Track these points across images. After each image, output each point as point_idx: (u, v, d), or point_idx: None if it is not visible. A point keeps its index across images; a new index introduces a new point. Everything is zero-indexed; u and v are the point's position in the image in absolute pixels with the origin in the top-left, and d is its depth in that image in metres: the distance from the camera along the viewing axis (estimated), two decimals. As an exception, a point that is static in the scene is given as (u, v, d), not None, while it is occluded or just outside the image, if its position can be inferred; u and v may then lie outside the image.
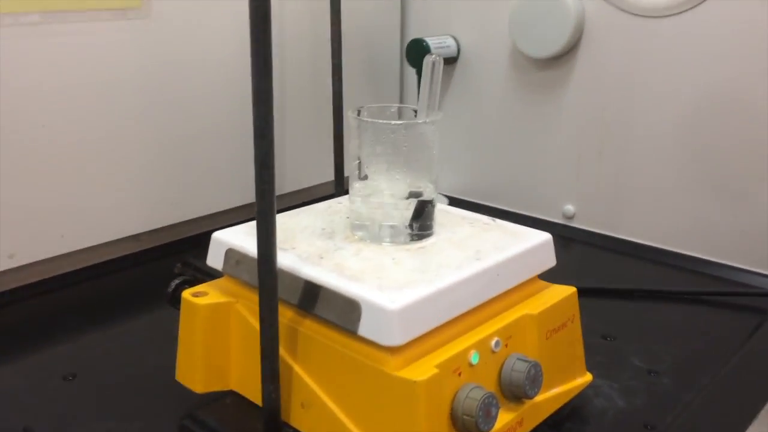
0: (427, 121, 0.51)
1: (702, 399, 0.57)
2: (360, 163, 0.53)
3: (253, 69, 0.42)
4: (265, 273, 0.45)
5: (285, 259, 0.50)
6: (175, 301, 0.55)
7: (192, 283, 0.56)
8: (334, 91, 0.84)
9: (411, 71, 1.00)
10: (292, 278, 0.49)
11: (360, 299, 0.45)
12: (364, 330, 0.45)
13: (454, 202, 1.02)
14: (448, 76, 1.02)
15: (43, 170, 0.69)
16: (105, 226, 0.75)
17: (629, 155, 0.87)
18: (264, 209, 0.45)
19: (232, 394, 0.54)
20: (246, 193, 0.89)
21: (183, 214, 0.83)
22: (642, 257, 0.86)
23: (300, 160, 0.92)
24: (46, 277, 0.73)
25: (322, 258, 0.50)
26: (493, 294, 0.50)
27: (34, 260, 0.69)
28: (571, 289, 0.55)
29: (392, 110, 0.54)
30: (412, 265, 0.49)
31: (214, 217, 0.86)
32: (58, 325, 0.67)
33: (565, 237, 0.92)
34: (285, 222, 0.57)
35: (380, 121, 0.51)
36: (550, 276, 0.56)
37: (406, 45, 0.97)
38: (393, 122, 0.50)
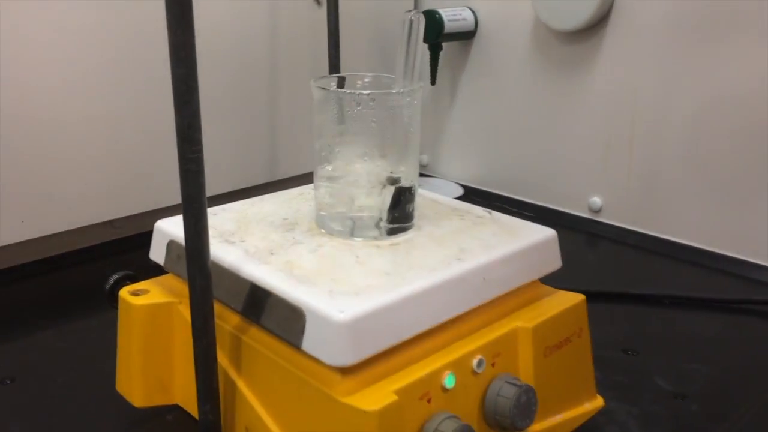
0: (402, 91, 0.42)
1: (738, 432, 0.48)
2: (325, 143, 0.44)
3: (169, 17, 0.34)
4: (195, 272, 0.38)
5: (229, 255, 0.42)
6: (114, 299, 0.47)
7: (135, 279, 0.49)
8: (330, 65, 0.76)
9: (423, 47, 0.91)
10: (234, 278, 0.41)
11: (304, 307, 0.37)
12: (308, 345, 0.36)
13: (469, 191, 0.93)
14: (464, 52, 0.92)
15: (-2, 148, 0.62)
16: (73, 211, 0.68)
17: (664, 142, 0.77)
18: (191, 195, 0.37)
19: (176, 409, 0.47)
20: (237, 178, 0.81)
21: (165, 199, 0.75)
22: (676, 258, 0.76)
23: (296, 144, 0.84)
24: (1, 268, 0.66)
25: (272, 254, 0.42)
26: (478, 302, 0.41)
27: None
28: (578, 297, 0.46)
29: (366, 80, 0.46)
30: (378, 265, 0.41)
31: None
32: (7, 322, 0.61)
33: (590, 233, 0.83)
34: (243, 210, 0.50)
35: (345, 90, 0.42)
36: (568, 276, 0.47)
37: (418, 18, 0.88)
38: (358, 92, 0.41)
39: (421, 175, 1.00)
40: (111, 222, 0.74)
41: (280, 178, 0.84)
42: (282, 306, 0.38)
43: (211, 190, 0.83)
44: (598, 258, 0.78)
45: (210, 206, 0.53)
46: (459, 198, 0.91)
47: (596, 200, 0.83)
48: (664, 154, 0.77)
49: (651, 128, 0.78)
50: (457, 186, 0.94)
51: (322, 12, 0.72)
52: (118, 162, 0.70)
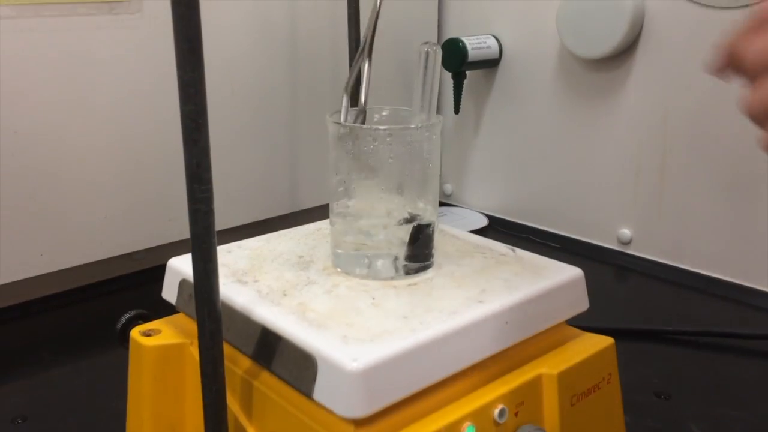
0: (420, 126, 0.40)
1: (781, 486, 0.45)
2: (341, 178, 0.43)
3: (178, 54, 0.33)
4: (204, 316, 0.36)
5: (240, 296, 0.41)
6: (125, 339, 0.46)
7: (148, 318, 0.48)
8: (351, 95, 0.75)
9: (447, 76, 0.90)
10: (245, 321, 0.39)
11: (316, 354, 0.35)
12: (319, 394, 0.35)
13: (493, 221, 0.91)
14: (488, 80, 0.91)
15: (17, 180, 0.62)
16: (94, 243, 0.68)
17: (698, 170, 0.74)
18: (200, 235, 0.35)
19: (187, 454, 0.45)
20: (258, 209, 0.80)
21: (187, 230, 0.74)
22: (712, 293, 0.73)
23: (317, 175, 0.83)
24: (17, 302, 0.66)
25: (285, 295, 0.40)
26: (500, 348, 0.39)
27: (6, 282, 0.62)
28: (607, 341, 0.44)
29: (384, 113, 0.44)
30: (394, 308, 0.39)
31: (224, 234, 0.77)
32: (24, 358, 0.60)
33: (619, 266, 0.80)
34: (258, 247, 0.48)
35: (361, 125, 0.41)
36: (595, 312, 0.45)
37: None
38: (374, 127, 0.40)
39: (446, 204, 0.98)
40: (131, 254, 0.73)
41: (302, 208, 0.83)
42: (293, 352, 0.36)
43: (231, 222, 0.83)
44: (628, 293, 0.76)
45: (227, 242, 0.52)
46: (483, 228, 0.89)
47: (626, 231, 0.81)
48: (698, 183, 0.74)
49: (683, 156, 0.75)
50: (482, 216, 0.92)
51: (344, 41, 0.72)
52: (139, 193, 0.69)
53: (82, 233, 0.67)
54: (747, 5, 0.68)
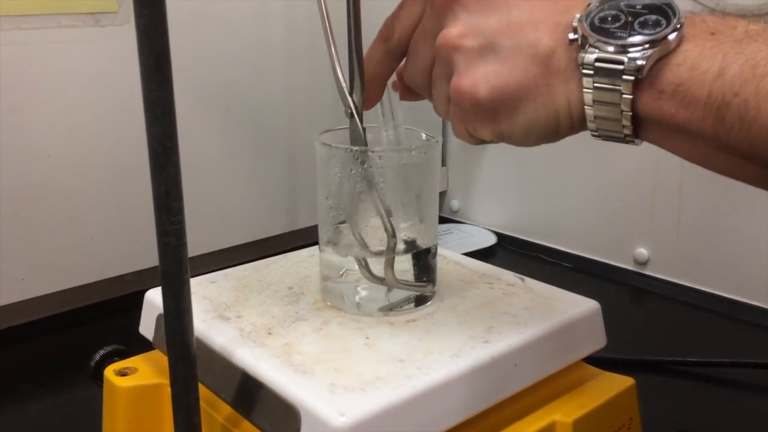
0: (415, 147, 0.37)
1: None
2: (330, 204, 0.39)
3: (143, 70, 0.29)
4: (176, 360, 0.32)
5: (221, 335, 0.37)
6: (99, 377, 0.43)
7: (125, 355, 0.44)
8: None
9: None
10: (225, 364, 0.36)
11: (300, 406, 0.31)
12: (303, 451, 0.31)
13: (502, 239, 0.87)
14: (497, 92, 0.87)
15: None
16: (80, 265, 0.64)
17: (718, 186, 0.70)
18: (170, 272, 0.31)
19: (165, 504, 0.41)
20: (255, 228, 0.77)
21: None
22: (738, 318, 0.68)
23: (316, 192, 0.79)
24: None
25: (270, 334, 0.37)
26: (508, 393, 0.35)
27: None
28: (627, 382, 0.40)
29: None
30: (390, 350, 0.35)
31: (219, 254, 0.74)
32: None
33: (636, 288, 0.75)
34: (245, 277, 0.45)
35: (350, 147, 0.37)
36: (611, 340, 0.41)
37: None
38: (365, 149, 0.36)
39: (452, 221, 0.94)
40: (121, 277, 0.70)
41: (301, 227, 0.79)
42: (275, 402, 0.32)
43: (227, 242, 0.79)
44: (646, 317, 0.71)
45: (223, 261, 0.48)
46: (492, 246, 0.85)
47: (642, 251, 0.76)
48: (719, 199, 0.70)
49: (703, 170, 0.71)
50: (490, 233, 0.88)
51: (344, 54, 0.68)
52: (128, 212, 0.66)
53: (68, 255, 0.64)
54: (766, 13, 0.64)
